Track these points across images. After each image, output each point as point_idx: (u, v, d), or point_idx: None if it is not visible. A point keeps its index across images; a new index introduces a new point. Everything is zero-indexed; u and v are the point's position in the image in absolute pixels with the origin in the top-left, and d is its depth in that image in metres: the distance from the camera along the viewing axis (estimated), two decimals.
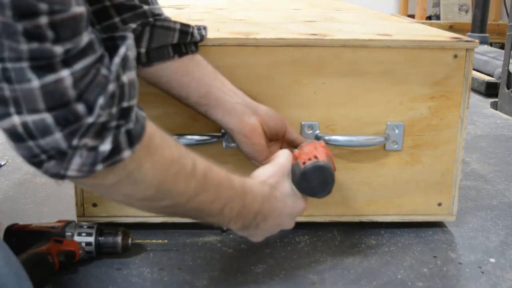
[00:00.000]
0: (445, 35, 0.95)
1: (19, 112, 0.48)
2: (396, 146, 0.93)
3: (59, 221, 0.85)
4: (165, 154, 0.60)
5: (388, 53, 0.89)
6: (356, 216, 0.97)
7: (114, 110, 0.52)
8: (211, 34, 0.89)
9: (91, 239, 0.83)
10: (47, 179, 1.19)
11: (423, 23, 2.78)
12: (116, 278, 0.82)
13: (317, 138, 0.91)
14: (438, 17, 3.79)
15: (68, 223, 0.85)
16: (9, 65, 0.46)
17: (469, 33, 2.62)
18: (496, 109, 1.87)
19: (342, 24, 1.10)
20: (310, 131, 0.91)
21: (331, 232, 0.97)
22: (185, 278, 0.82)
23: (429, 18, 3.80)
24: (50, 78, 0.48)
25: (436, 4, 3.84)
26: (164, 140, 0.61)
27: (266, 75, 0.89)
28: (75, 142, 0.50)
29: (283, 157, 0.78)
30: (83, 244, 0.83)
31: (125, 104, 0.53)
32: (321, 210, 0.95)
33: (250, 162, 0.84)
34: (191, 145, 0.90)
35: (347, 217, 0.97)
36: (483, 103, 1.97)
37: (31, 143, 0.50)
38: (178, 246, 0.91)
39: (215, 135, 0.90)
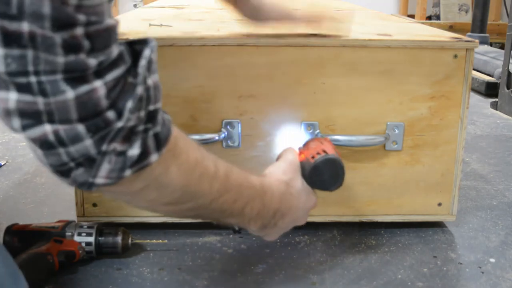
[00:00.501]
0: (445, 35, 0.95)
1: (51, 121, 0.48)
2: (396, 146, 0.93)
3: (59, 221, 0.85)
4: (190, 156, 0.61)
5: (388, 53, 0.89)
6: (356, 216, 0.97)
7: (142, 113, 0.52)
8: (211, 34, 0.89)
9: (91, 239, 0.83)
10: (47, 179, 1.20)
11: (423, 23, 2.78)
12: (116, 278, 0.82)
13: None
14: (438, 17, 3.79)
15: (68, 223, 0.85)
16: (44, 78, 0.46)
17: (469, 33, 2.62)
18: (496, 109, 1.87)
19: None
20: (310, 131, 0.91)
21: (331, 232, 0.97)
22: (185, 278, 0.82)
23: (429, 18, 3.80)
24: (84, 88, 0.48)
25: (436, 4, 3.84)
26: (187, 142, 0.61)
27: (266, 75, 0.89)
28: (104, 147, 0.50)
29: (290, 154, 0.79)
30: (83, 244, 0.83)
31: (151, 107, 0.54)
32: (321, 210, 0.95)
33: (250, 162, 0.84)
34: None
35: (347, 217, 0.97)
36: (483, 103, 1.97)
37: (61, 150, 0.50)
38: (178, 246, 0.91)
39: (215, 135, 0.90)
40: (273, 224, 0.73)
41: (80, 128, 0.49)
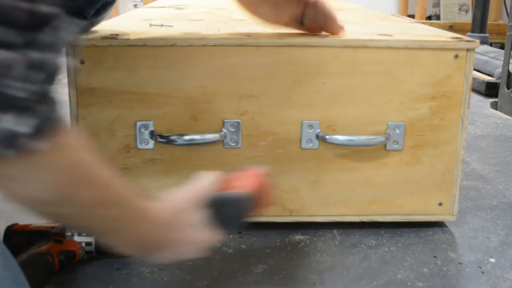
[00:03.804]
0: (446, 35, 0.95)
1: None
2: (396, 146, 0.93)
3: None
4: (73, 155, 0.55)
5: (389, 53, 0.89)
6: (357, 216, 0.97)
7: (31, 86, 0.48)
8: (212, 34, 0.89)
9: (91, 239, 0.83)
10: None
11: (423, 23, 2.78)
12: (116, 278, 0.82)
13: (318, 137, 0.91)
14: (438, 17, 3.79)
15: None
16: None
17: (469, 33, 2.62)
18: (496, 109, 1.87)
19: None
20: (311, 130, 0.91)
21: (331, 232, 0.97)
22: (185, 278, 0.82)
23: (429, 18, 3.80)
24: None
25: (436, 4, 3.84)
26: (75, 141, 0.56)
27: (267, 75, 0.89)
28: None
29: (205, 181, 0.70)
30: (83, 244, 0.83)
31: (43, 85, 0.50)
32: (321, 210, 0.96)
33: (250, 162, 0.84)
34: (191, 145, 0.90)
35: (347, 217, 0.97)
36: (483, 103, 1.97)
37: None
38: None
39: (215, 135, 0.90)
40: (152, 250, 0.65)
41: None
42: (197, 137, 0.89)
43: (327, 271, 0.85)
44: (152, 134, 0.89)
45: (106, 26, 0.98)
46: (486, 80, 2.10)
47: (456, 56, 0.90)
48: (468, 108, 0.92)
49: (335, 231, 0.97)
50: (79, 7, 0.82)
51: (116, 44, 0.86)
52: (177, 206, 0.67)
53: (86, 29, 0.89)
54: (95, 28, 0.92)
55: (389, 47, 0.89)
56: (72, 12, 0.85)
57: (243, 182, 0.70)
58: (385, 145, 0.93)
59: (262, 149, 0.92)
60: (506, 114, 1.81)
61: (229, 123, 0.90)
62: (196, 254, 0.69)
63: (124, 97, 0.88)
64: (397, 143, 0.93)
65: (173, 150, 0.91)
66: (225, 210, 0.67)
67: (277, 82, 0.89)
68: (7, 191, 0.56)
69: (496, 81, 2.06)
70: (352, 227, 0.98)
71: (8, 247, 0.67)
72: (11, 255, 0.56)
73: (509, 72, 1.81)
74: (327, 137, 0.91)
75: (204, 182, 0.70)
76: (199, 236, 0.67)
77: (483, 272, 0.86)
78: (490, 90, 2.07)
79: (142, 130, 0.90)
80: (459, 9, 3.78)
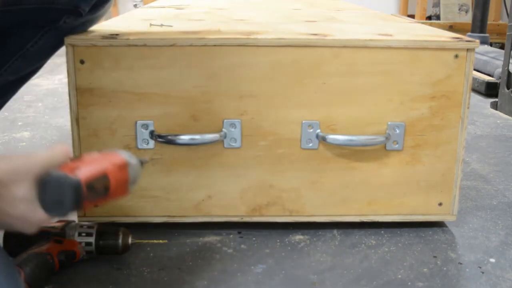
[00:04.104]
0: (446, 35, 0.95)
1: None
2: (396, 146, 0.93)
3: (59, 221, 0.85)
4: None
5: (389, 53, 0.89)
6: (357, 216, 0.97)
7: None
8: (212, 34, 0.89)
9: (91, 239, 0.83)
10: None
11: (423, 23, 2.78)
12: (116, 278, 0.82)
13: (318, 137, 0.91)
14: (438, 17, 3.79)
15: (68, 223, 0.85)
16: None
17: (469, 33, 2.62)
18: (496, 109, 1.87)
19: (343, 24, 1.10)
20: (311, 130, 0.91)
21: (331, 232, 0.97)
22: (185, 278, 0.82)
23: (429, 18, 3.80)
24: None
25: (436, 4, 3.84)
26: None
27: (267, 75, 0.89)
28: None
29: (42, 155, 0.63)
30: (83, 244, 0.83)
31: None
32: (321, 210, 0.96)
33: (251, 162, 0.83)
34: (191, 145, 0.90)
35: (347, 217, 0.97)
36: (483, 103, 1.97)
37: None
38: (178, 246, 0.91)
39: (215, 135, 0.90)
40: None
41: None
42: (197, 137, 0.89)
43: (327, 271, 0.85)
44: (152, 134, 0.90)
45: (106, 26, 0.98)
46: (486, 80, 2.10)
47: (456, 56, 0.90)
48: (468, 108, 0.92)
49: (335, 231, 0.97)
50: (73, 4, 0.82)
51: (116, 44, 0.86)
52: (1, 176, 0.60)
53: (84, 27, 0.89)
54: (95, 27, 0.92)
55: (389, 47, 0.89)
56: (65, 9, 0.85)
57: (90, 166, 0.63)
58: (385, 145, 0.93)
59: (262, 149, 0.92)
60: (506, 114, 1.81)
61: (229, 123, 0.90)
62: (31, 230, 0.63)
63: (124, 97, 0.88)
64: (397, 143, 0.93)
65: (173, 150, 0.91)
66: (49, 191, 0.60)
67: (277, 82, 0.89)
68: None
69: (496, 81, 2.06)
70: (352, 227, 0.98)
71: (8, 247, 0.68)
72: (8, 258, 0.55)
73: (509, 72, 1.81)
74: (327, 137, 0.91)
75: (40, 156, 0.62)
76: (32, 214, 0.62)
77: (483, 272, 0.86)
78: (490, 90, 2.06)
79: (142, 130, 0.90)
80: (459, 9, 3.78)
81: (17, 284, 0.56)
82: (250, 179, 0.93)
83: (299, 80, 0.89)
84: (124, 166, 0.66)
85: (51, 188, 0.60)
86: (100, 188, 0.63)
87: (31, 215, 0.61)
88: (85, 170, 0.62)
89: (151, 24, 1.00)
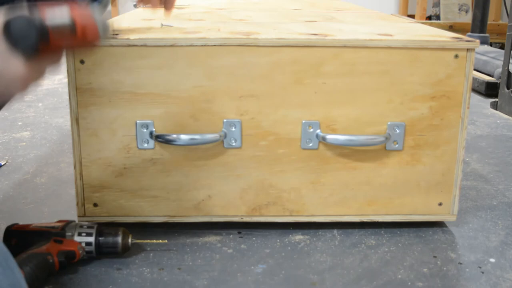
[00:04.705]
0: (446, 35, 0.95)
1: None
2: (396, 146, 0.93)
3: (59, 221, 0.85)
4: None
5: (389, 53, 0.89)
6: (357, 216, 0.97)
7: None
8: (212, 34, 0.89)
9: (91, 239, 0.83)
10: (47, 179, 1.20)
11: (423, 23, 2.78)
12: (116, 278, 0.82)
13: (318, 137, 0.91)
14: (438, 17, 3.79)
15: (68, 223, 0.85)
16: None
17: (469, 33, 2.62)
18: (496, 109, 1.87)
19: (343, 24, 1.10)
20: (311, 130, 0.91)
21: (331, 232, 0.97)
22: (185, 278, 0.82)
23: (429, 18, 3.80)
24: None
25: (436, 4, 3.84)
26: None
27: (267, 75, 0.89)
28: None
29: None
30: (83, 244, 0.83)
31: None
32: (321, 210, 0.96)
33: (251, 162, 0.83)
34: (191, 145, 0.90)
35: (347, 217, 0.97)
36: (483, 103, 1.97)
37: None
38: (178, 246, 0.91)
39: (215, 135, 0.90)
40: None
41: None
42: (197, 137, 0.89)
43: (327, 271, 0.85)
44: (152, 134, 0.90)
45: None
46: (486, 80, 2.10)
47: (456, 56, 0.90)
48: (468, 108, 0.92)
49: (335, 231, 0.97)
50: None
51: (116, 44, 0.86)
52: None
53: None
54: None
55: (389, 47, 0.89)
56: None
57: (50, 6, 0.65)
58: (385, 145, 0.93)
59: (262, 149, 0.92)
60: (506, 114, 1.81)
61: (229, 123, 0.90)
62: (17, 90, 0.64)
63: (124, 97, 0.88)
64: (397, 143, 0.93)
65: (173, 150, 0.91)
66: (14, 30, 0.62)
67: (277, 82, 0.89)
68: None
69: (496, 81, 2.06)
70: (352, 227, 0.98)
71: (8, 247, 0.67)
72: (12, 259, 0.56)
73: (509, 72, 1.81)
74: (327, 137, 0.91)
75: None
76: (8, 65, 0.62)
77: (483, 272, 0.86)
78: (490, 90, 2.06)
79: (142, 130, 0.90)
80: (459, 9, 3.78)
81: (17, 279, 0.56)
82: (250, 179, 0.93)
83: (299, 80, 0.89)
84: (87, 10, 0.66)
85: (15, 26, 0.62)
86: (64, 22, 0.64)
87: (7, 66, 0.62)
88: (45, 8, 0.64)
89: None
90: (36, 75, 0.66)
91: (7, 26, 0.62)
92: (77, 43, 0.66)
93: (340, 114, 0.91)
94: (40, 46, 0.64)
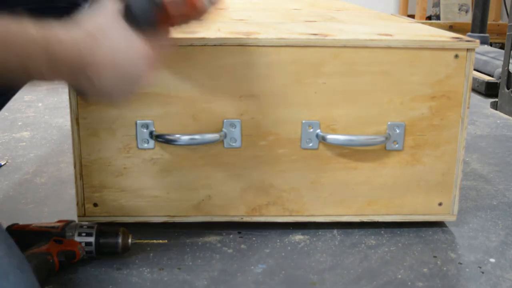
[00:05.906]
0: (446, 35, 0.95)
1: None
2: (396, 146, 0.93)
3: (59, 221, 0.85)
4: None
5: (389, 53, 0.89)
6: (357, 216, 0.97)
7: None
8: (211, 34, 0.89)
9: (91, 239, 0.83)
10: (47, 179, 1.20)
11: (423, 23, 2.77)
12: (116, 278, 0.82)
13: (318, 137, 0.91)
14: (438, 17, 3.79)
15: (68, 223, 0.85)
16: None
17: (469, 33, 2.62)
18: (496, 109, 1.87)
19: (343, 24, 1.10)
20: (311, 130, 0.91)
21: (331, 232, 0.97)
22: (185, 278, 0.82)
23: (429, 18, 3.80)
24: None
25: (436, 4, 3.84)
26: None
27: (267, 75, 0.89)
28: None
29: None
30: (83, 244, 0.83)
31: None
32: (321, 210, 0.96)
33: (251, 162, 0.84)
34: (191, 145, 0.90)
35: (347, 217, 0.97)
36: (483, 103, 1.97)
37: None
38: (178, 246, 0.91)
39: (215, 135, 0.90)
40: (85, 78, 0.63)
41: None
42: (197, 137, 0.89)
43: (327, 271, 0.85)
44: (152, 134, 0.89)
45: None
46: (486, 80, 2.10)
47: (456, 56, 0.90)
48: (468, 108, 0.92)
49: (335, 231, 0.97)
50: (73, 1, 0.82)
51: None
52: (88, 24, 0.63)
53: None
54: None
55: (389, 47, 0.89)
56: (66, 8, 0.85)
57: None
58: (385, 145, 0.93)
59: (262, 149, 0.92)
60: (506, 114, 1.81)
61: (229, 123, 0.90)
62: (145, 75, 0.67)
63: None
64: (397, 143, 0.93)
65: (173, 150, 0.91)
66: (134, 10, 0.65)
67: (277, 82, 0.89)
68: None
69: (496, 81, 2.06)
70: (352, 227, 0.98)
71: None
72: (13, 242, 0.56)
73: (509, 72, 1.81)
74: (327, 137, 0.91)
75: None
76: (131, 47, 0.64)
77: (483, 272, 0.86)
78: (490, 90, 2.06)
79: (142, 130, 0.90)
80: (459, 9, 3.78)
81: (34, 284, 0.56)
82: (250, 179, 0.93)
83: (299, 80, 0.89)
84: None
85: (136, 4, 0.65)
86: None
87: (132, 46, 0.64)
88: None
89: None
90: (156, 56, 0.67)
91: (128, 7, 0.65)
92: (188, 15, 0.69)
93: (340, 114, 0.91)
94: (159, 21, 0.66)
